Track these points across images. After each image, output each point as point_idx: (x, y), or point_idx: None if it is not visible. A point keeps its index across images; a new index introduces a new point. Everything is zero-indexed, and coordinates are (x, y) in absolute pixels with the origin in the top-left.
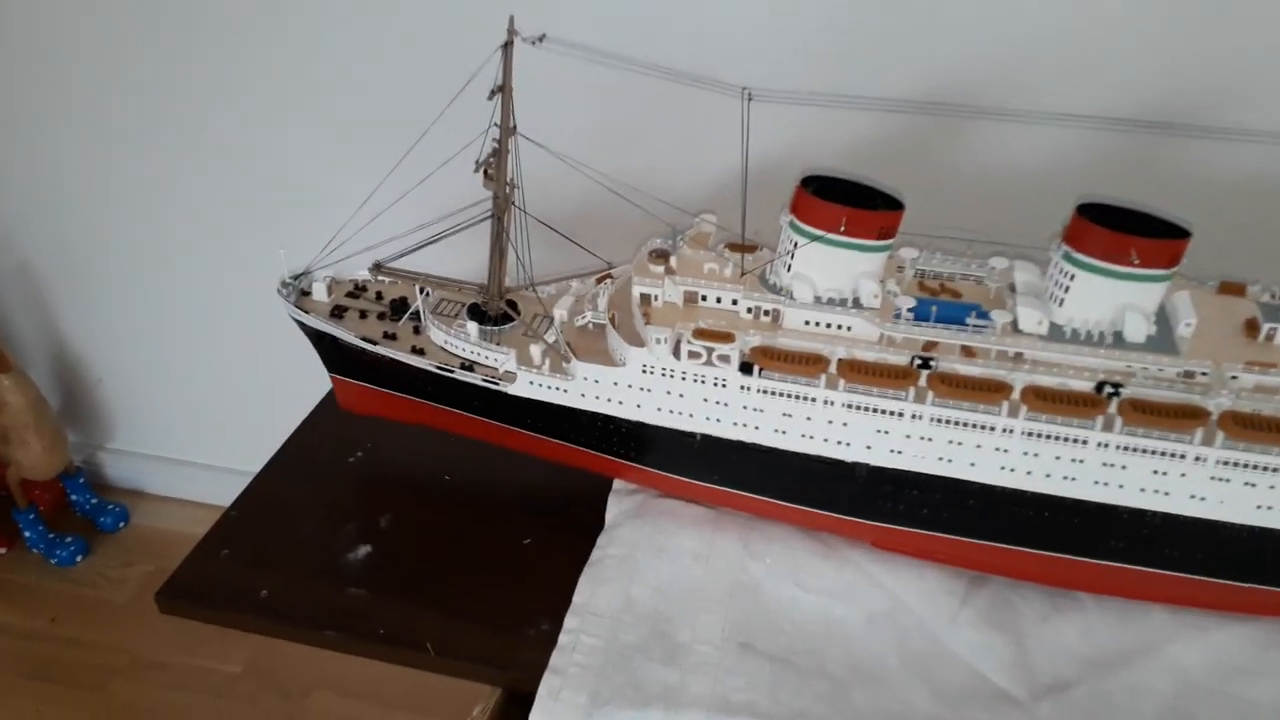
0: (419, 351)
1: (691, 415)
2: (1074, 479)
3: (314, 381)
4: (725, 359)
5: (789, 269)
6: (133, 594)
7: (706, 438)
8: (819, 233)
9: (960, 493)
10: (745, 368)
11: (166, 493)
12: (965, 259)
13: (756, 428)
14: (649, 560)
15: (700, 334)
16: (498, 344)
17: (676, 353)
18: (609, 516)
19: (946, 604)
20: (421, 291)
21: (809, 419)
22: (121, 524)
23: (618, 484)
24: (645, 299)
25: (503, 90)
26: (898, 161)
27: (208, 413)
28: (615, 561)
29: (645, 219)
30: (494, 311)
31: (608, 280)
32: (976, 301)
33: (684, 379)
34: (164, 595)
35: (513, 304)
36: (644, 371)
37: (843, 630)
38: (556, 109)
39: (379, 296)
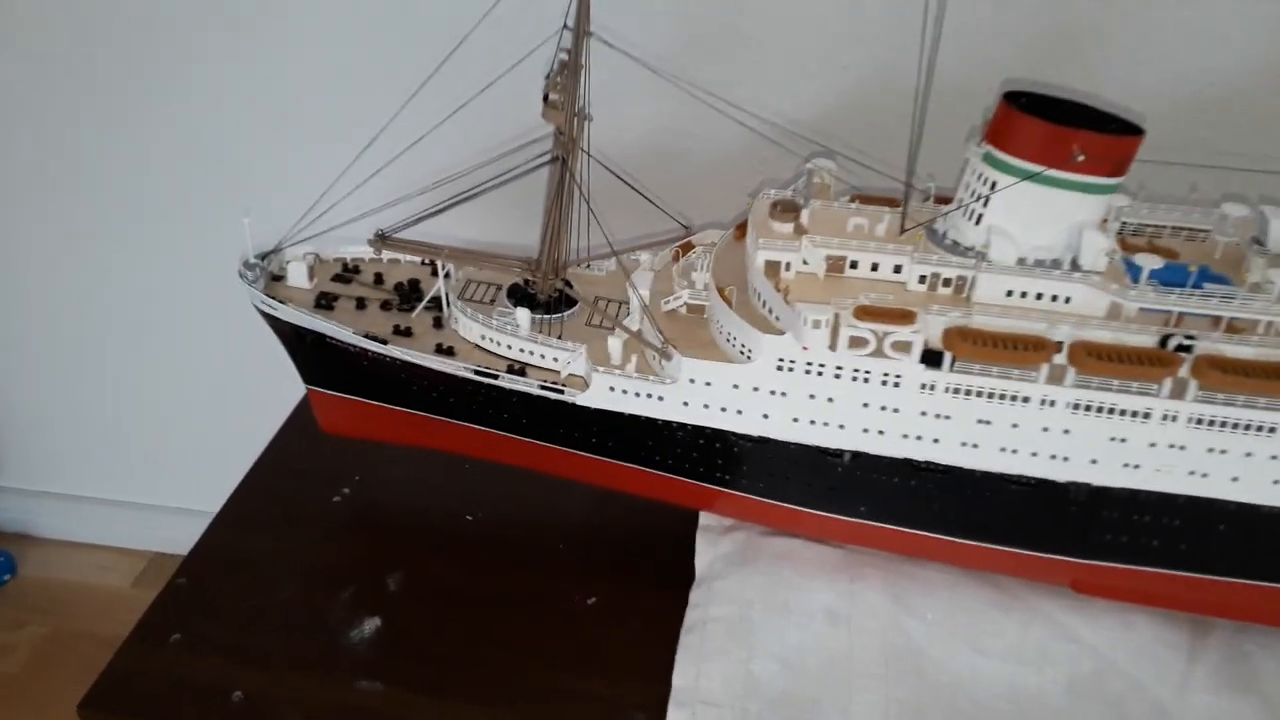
0: (446, 351)
1: (843, 426)
2: None
3: (277, 394)
4: (903, 347)
5: (978, 221)
6: (24, 662)
7: (860, 456)
8: (1034, 168)
9: (1210, 516)
10: (931, 358)
11: (63, 535)
12: (1183, 207)
13: (936, 440)
14: (770, 623)
15: (867, 314)
16: (559, 337)
17: (831, 341)
18: (700, 564)
19: (1170, 661)
20: (441, 271)
21: (1015, 426)
22: (7, 576)
23: (705, 518)
24: (772, 268)
25: None
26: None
27: (119, 437)
28: (722, 627)
29: (733, 165)
30: (545, 294)
31: (691, 249)
32: (1202, 262)
33: (838, 376)
34: (92, 705)
35: (567, 283)
36: (779, 368)
37: (1039, 704)
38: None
39: (378, 280)
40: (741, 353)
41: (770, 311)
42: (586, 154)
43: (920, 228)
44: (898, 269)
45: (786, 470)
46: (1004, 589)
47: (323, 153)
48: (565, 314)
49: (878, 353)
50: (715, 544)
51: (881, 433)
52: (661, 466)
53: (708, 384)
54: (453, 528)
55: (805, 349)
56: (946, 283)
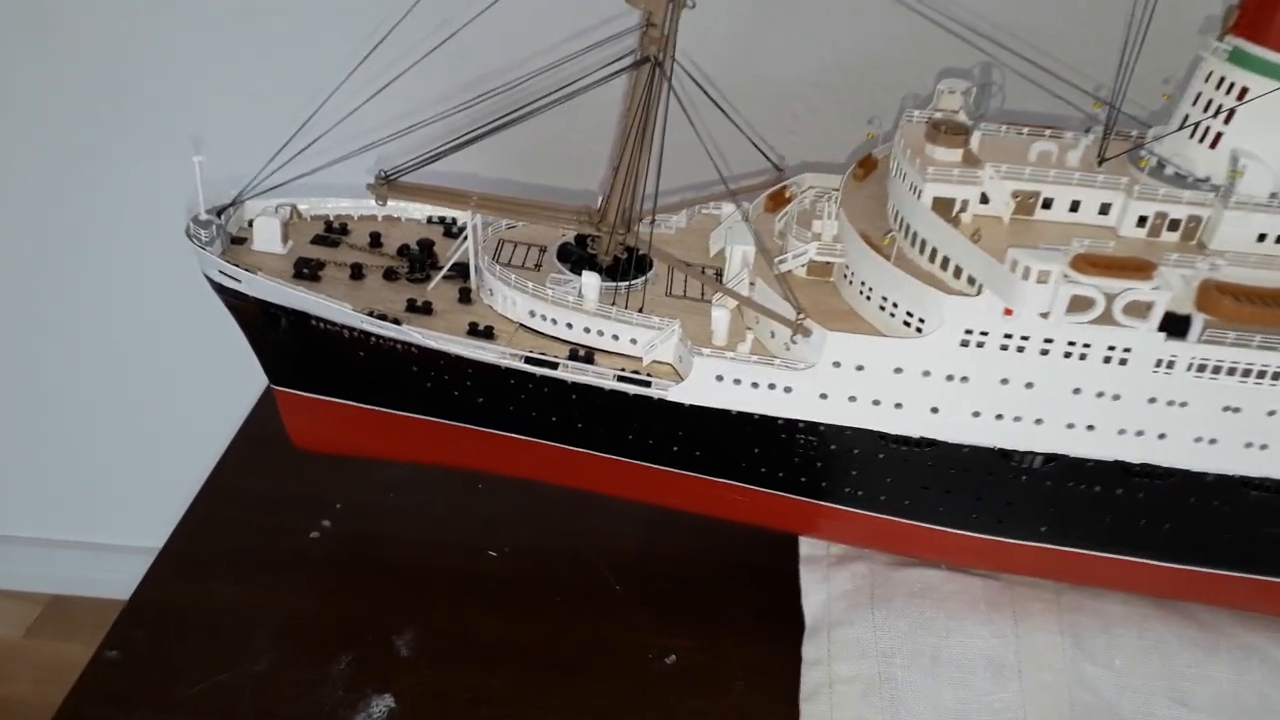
0: (484, 333)
1: (1040, 421)
2: None
3: (225, 395)
4: (1139, 310)
5: (1214, 143)
6: None
7: (1056, 460)
8: None
9: None
10: (1174, 325)
11: None
12: None
13: (1162, 436)
14: (918, 681)
15: (1092, 265)
16: (640, 311)
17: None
18: (811, 606)
19: None
20: (471, 225)
21: (1273, 413)
22: None
23: (809, 546)
24: (943, 207)
25: None
26: None
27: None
28: (857, 689)
29: (826, 92)
30: (610, 255)
31: (788, 196)
32: None
33: (1045, 352)
34: None
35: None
36: (965, 343)
37: None
38: None
39: (375, 241)
40: (907, 323)
41: (945, 266)
42: (672, 61)
43: (1122, 156)
44: (1105, 208)
45: (949, 481)
46: (1203, 623)
47: (298, 71)
48: (640, 280)
49: (1104, 318)
50: (827, 579)
51: (1091, 428)
52: (765, 480)
53: (859, 368)
54: (472, 568)
55: (1009, 314)
56: (1174, 225)
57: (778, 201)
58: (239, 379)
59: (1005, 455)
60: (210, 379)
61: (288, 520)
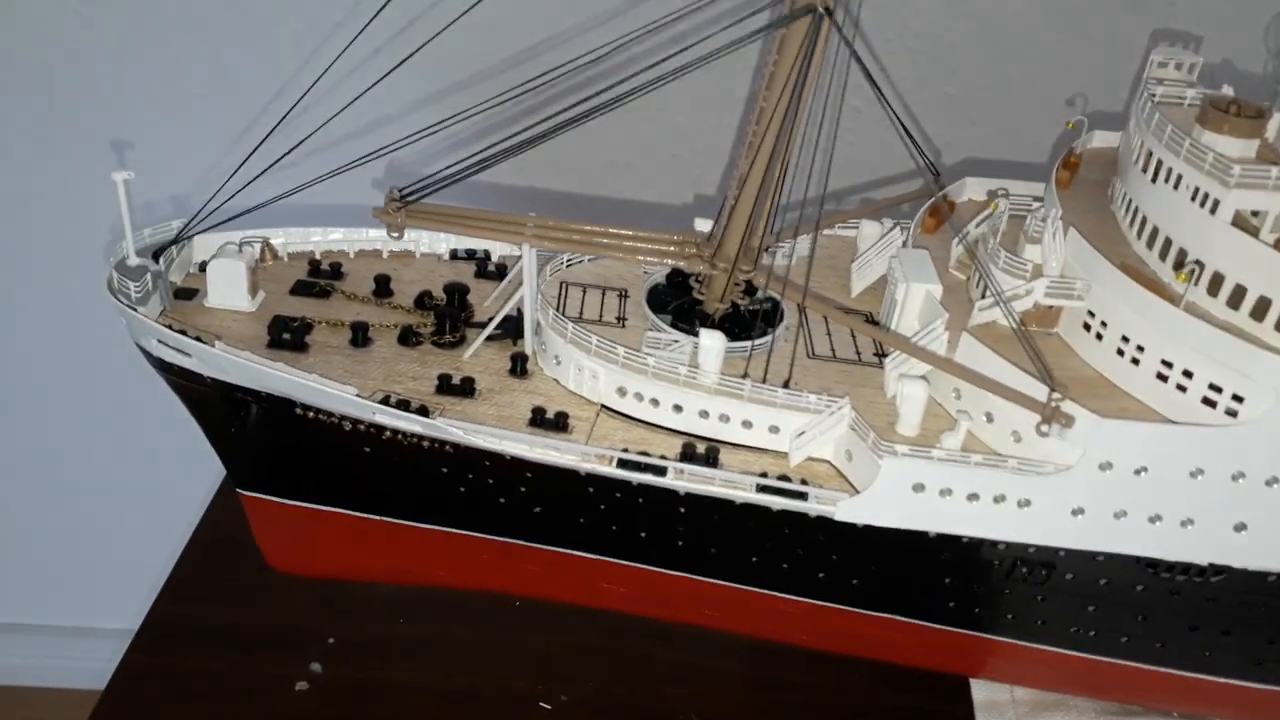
0: (554, 424)
1: None
2: None
3: (173, 493)
4: None
5: None
6: None
7: None
8: None
9: None
10: None
11: None
12: None
13: None
14: None
15: None
16: (786, 385)
17: None
18: None
19: None
20: (528, 260)
21: None
22: None
23: (985, 688)
24: (1244, 224)
25: None
26: None
27: None
28: None
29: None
30: (723, 302)
31: (947, 209)
32: None
33: None
34: None
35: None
36: None
37: None
38: None
39: (383, 288)
40: (1210, 402)
41: (1262, 314)
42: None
43: None
44: None
45: (1233, 618)
46: None
47: (267, 51)
48: (770, 336)
49: None
50: None
51: None
52: (947, 616)
53: (1139, 471)
54: None
55: None
56: None
57: (940, 217)
58: (194, 471)
59: None
60: (157, 455)
61: (263, 666)
